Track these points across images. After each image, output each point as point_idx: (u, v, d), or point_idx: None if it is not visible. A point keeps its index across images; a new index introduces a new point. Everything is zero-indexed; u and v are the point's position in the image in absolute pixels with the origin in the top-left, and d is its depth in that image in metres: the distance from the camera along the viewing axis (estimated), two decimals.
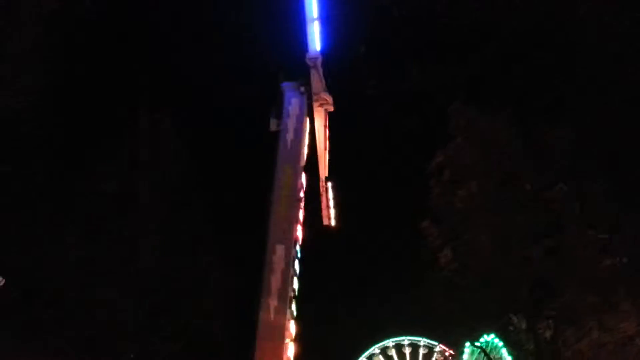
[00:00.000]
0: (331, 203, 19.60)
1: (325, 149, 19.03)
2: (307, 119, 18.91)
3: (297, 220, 18.66)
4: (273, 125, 18.73)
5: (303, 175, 19.03)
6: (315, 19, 17.47)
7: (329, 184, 19.61)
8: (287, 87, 18.71)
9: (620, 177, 22.00)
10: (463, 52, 25.73)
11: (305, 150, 19.11)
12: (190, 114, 25.17)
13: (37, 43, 23.47)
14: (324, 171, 19.44)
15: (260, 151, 19.79)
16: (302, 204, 19.06)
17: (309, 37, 17.94)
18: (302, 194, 19.00)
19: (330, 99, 18.34)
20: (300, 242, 18.20)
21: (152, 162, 25.38)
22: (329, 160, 19.40)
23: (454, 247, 24.50)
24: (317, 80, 17.88)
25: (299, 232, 18.88)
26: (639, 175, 21.61)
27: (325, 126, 18.81)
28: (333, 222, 19.95)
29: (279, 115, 18.69)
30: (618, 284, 21.70)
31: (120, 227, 24.54)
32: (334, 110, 19.09)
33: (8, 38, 22.54)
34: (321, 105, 18.30)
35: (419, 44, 26.22)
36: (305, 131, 18.77)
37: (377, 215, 24.58)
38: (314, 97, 18.08)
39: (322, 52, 18.24)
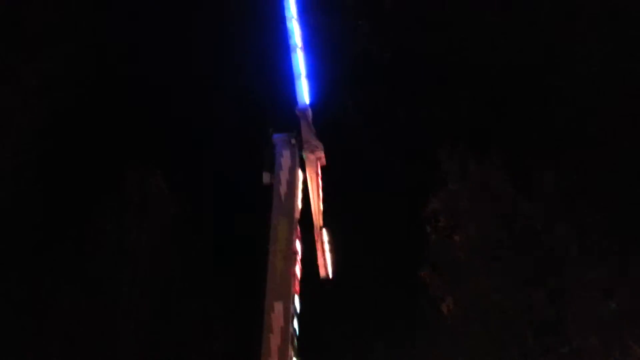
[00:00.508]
0: (327, 253, 19.28)
1: (319, 197, 18.88)
2: (299, 171, 18.85)
3: (294, 275, 18.39)
4: (266, 178, 18.66)
5: (298, 228, 18.85)
6: (302, 75, 18.07)
7: (324, 234, 19.36)
8: (278, 139, 18.76)
9: (620, 218, 21.82)
10: (451, 95, 25.92)
11: (300, 203, 18.97)
12: (183, 172, 24.99)
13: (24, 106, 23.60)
14: (318, 220, 19.23)
15: (254, 206, 19.57)
16: (299, 258, 18.79)
17: (297, 91, 18.37)
18: (298, 247, 18.76)
19: (320, 145, 18.49)
20: (298, 296, 17.88)
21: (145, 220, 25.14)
22: (323, 209, 19.19)
23: (455, 295, 24.08)
24: (306, 129, 18.16)
25: (297, 286, 18.57)
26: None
27: (317, 174, 18.76)
28: (330, 273, 19.59)
29: (271, 168, 18.64)
30: (624, 327, 21.26)
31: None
32: (325, 163, 19.09)
33: None
34: (312, 152, 18.40)
35: (408, 89, 26.40)
36: (298, 183, 18.67)
37: (376, 264, 24.18)
38: (305, 145, 18.24)
39: (311, 104, 18.58)
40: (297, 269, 18.74)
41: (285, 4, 18.36)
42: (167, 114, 26.10)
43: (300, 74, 18.32)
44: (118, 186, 25.11)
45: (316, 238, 19.17)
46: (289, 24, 18.18)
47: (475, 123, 25.74)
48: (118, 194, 24.96)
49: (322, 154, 18.48)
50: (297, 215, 18.75)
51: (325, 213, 19.23)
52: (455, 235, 24.43)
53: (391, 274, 24.40)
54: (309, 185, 18.88)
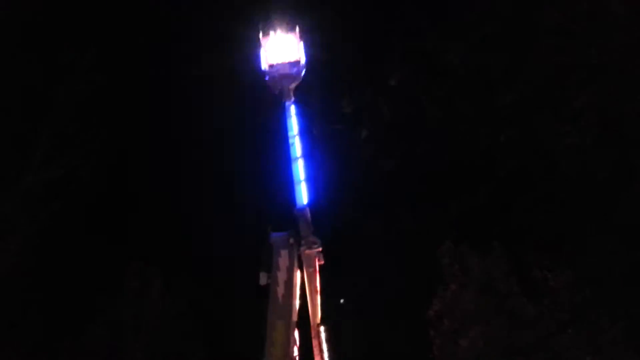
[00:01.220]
0: (325, 353, 18.70)
1: (316, 293, 18.65)
2: (298, 271, 18.68)
3: None
4: (263, 279, 18.55)
5: (296, 331, 18.44)
6: (302, 181, 18.88)
7: (322, 330, 18.89)
8: (276, 239, 18.76)
9: (633, 326, 21.15)
10: (451, 192, 25.89)
11: (297, 304, 18.64)
12: (182, 271, 24.75)
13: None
14: (315, 317, 18.86)
15: (252, 307, 19.18)
16: None
17: (297, 195, 18.92)
18: (295, 352, 18.26)
19: (318, 242, 18.63)
20: None
21: (143, 322, 24.56)
22: (322, 306, 18.88)
23: None
24: (305, 228, 18.41)
25: None
26: None
27: (315, 270, 18.70)
28: None
29: (269, 268, 18.52)
30: None
31: None
32: (323, 262, 18.94)
33: None
34: (310, 248, 18.52)
35: (408, 191, 26.46)
36: (296, 284, 18.47)
37: None
38: (303, 242, 18.42)
39: (310, 205, 19.02)
40: None
41: (287, 124, 19.97)
42: (168, 215, 26.12)
43: (300, 181, 19.26)
44: (117, 290, 24.75)
45: (313, 335, 18.70)
46: (290, 140, 19.54)
47: (477, 223, 25.53)
48: (117, 298, 24.56)
49: (319, 250, 18.51)
50: (295, 317, 18.42)
51: (323, 313, 18.86)
52: (459, 339, 23.64)
53: None
54: (306, 282, 18.72)
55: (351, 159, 26.90)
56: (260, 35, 21.53)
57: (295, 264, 18.63)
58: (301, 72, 20.66)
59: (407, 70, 26.72)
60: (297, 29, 21.37)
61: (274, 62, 20.51)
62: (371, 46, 26.78)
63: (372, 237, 26.01)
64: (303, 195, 19.75)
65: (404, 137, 26.47)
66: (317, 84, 24.75)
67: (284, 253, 18.49)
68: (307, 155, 19.91)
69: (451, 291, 24.06)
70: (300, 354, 18.26)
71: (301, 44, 20.79)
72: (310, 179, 19.86)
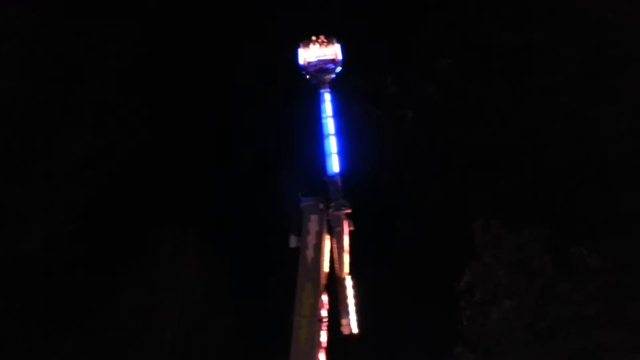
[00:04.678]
0: (351, 304, 18.98)
1: (343, 250, 18.92)
2: (327, 235, 18.93)
3: (318, 345, 18.12)
4: (292, 242, 18.87)
5: (325, 294, 18.73)
6: (333, 153, 19.23)
7: (349, 284, 19.18)
8: (306, 203, 19.04)
9: None
10: (488, 173, 25.78)
11: (327, 267, 18.91)
12: (215, 234, 25.43)
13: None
14: (342, 271, 19.15)
15: (282, 269, 19.55)
16: (325, 325, 18.52)
17: (328, 165, 19.29)
18: (324, 314, 18.54)
19: (347, 204, 18.88)
20: None
21: (177, 285, 25.30)
22: (350, 262, 19.14)
23: None
24: (334, 191, 18.63)
25: (321, 355, 18.22)
26: None
27: (343, 231, 18.97)
28: (355, 329, 19.17)
29: (299, 232, 18.83)
30: None
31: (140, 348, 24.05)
32: (352, 227, 19.17)
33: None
34: (338, 209, 18.74)
35: (443, 168, 26.48)
36: (324, 248, 18.72)
37: (405, 339, 23.52)
38: (332, 204, 18.62)
39: (340, 172, 19.38)
40: (323, 337, 18.46)
41: (322, 106, 20.56)
42: (203, 178, 26.74)
43: (331, 153, 19.87)
44: (151, 249, 25.50)
45: (340, 290, 19.00)
46: (324, 121, 20.28)
47: (513, 202, 25.37)
48: (151, 257, 25.31)
49: (348, 211, 18.75)
50: (324, 280, 18.69)
51: (352, 271, 19.15)
52: (490, 311, 23.66)
53: (423, 348, 23.60)
54: (335, 243, 18.99)
55: (390, 138, 27.15)
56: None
57: (325, 228, 18.89)
58: (337, 67, 21.13)
59: (452, 51, 26.75)
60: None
61: (311, 60, 21.04)
62: (415, 27, 26.86)
63: (406, 210, 26.23)
64: (334, 165, 19.73)
65: (447, 120, 26.52)
66: (360, 64, 25.13)
67: (314, 217, 18.76)
68: (339, 132, 20.32)
69: (483, 264, 24.10)
70: (328, 316, 18.52)
71: (338, 45, 21.28)
72: (343, 154, 20.16)
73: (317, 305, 18.19)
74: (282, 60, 23.26)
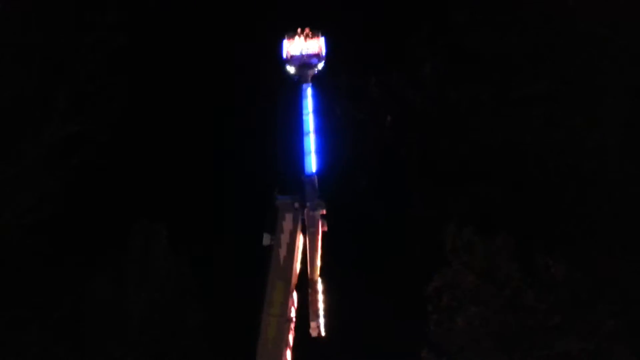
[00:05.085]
0: (320, 307, 18.93)
1: (316, 252, 18.85)
2: (300, 235, 18.90)
3: (286, 344, 18.06)
4: (266, 240, 18.78)
5: (295, 294, 18.69)
6: (312, 152, 19.15)
7: (319, 287, 19.11)
8: (282, 201, 18.98)
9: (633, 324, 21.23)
10: (463, 180, 26.00)
11: (298, 267, 18.89)
12: (187, 228, 25.29)
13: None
14: (314, 274, 19.08)
15: (255, 266, 19.51)
16: (293, 325, 18.49)
17: (306, 164, 19.20)
18: (293, 314, 18.51)
19: (323, 204, 18.80)
20: None
21: (145, 278, 25.07)
22: (321, 266, 19.10)
23: None
24: (311, 191, 18.64)
25: (288, 356, 18.18)
26: None
27: (317, 232, 18.89)
28: (323, 332, 19.13)
29: (273, 230, 18.75)
30: None
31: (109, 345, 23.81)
32: (326, 228, 19.17)
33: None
34: (314, 209, 18.71)
35: (420, 174, 26.62)
36: (298, 246, 18.69)
37: (372, 341, 23.65)
38: (307, 204, 18.55)
39: (317, 172, 19.32)
40: (290, 337, 18.42)
41: (303, 102, 20.39)
42: (176, 171, 26.56)
43: (310, 152, 19.64)
44: (121, 243, 25.24)
45: (310, 292, 18.94)
46: (304, 118, 20.08)
47: (485, 207, 25.63)
48: (120, 251, 25.05)
49: (323, 212, 18.70)
50: (295, 280, 18.65)
51: (322, 273, 19.10)
52: (457, 316, 23.88)
53: (390, 351, 23.76)
54: (308, 243, 18.93)
55: (369, 141, 27.20)
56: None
57: (299, 227, 18.84)
58: (320, 62, 21.02)
59: (436, 57, 26.91)
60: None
61: (295, 53, 20.88)
62: (400, 31, 26.99)
63: (377, 214, 26.36)
64: (312, 164, 19.59)
65: (426, 126, 26.66)
66: (343, 66, 25.18)
67: (288, 216, 18.69)
68: (319, 130, 20.18)
69: (452, 270, 24.29)
70: (296, 316, 18.50)
71: (322, 38, 21.14)
72: (322, 153, 20.08)
73: (286, 304, 18.13)
74: (264, 53, 23.14)
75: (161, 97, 27.72)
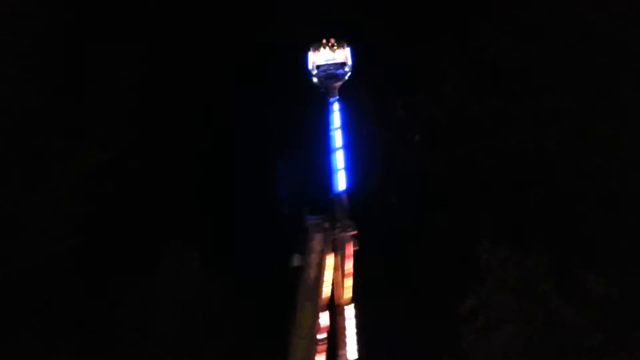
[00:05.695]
0: (350, 334, 18.53)
1: (346, 276, 18.54)
2: (330, 255, 18.67)
3: None
4: (295, 260, 18.56)
5: (325, 314, 18.42)
6: (340, 169, 18.89)
7: (349, 313, 18.73)
8: (311, 222, 18.78)
9: None
10: (496, 199, 25.59)
11: (328, 288, 18.62)
12: (217, 250, 25.28)
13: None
14: (342, 297, 18.75)
15: (284, 288, 19.27)
16: (322, 347, 18.22)
17: (335, 182, 18.97)
18: (323, 335, 18.24)
19: (353, 225, 18.51)
20: None
21: (177, 302, 25.10)
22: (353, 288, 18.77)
23: None
24: (340, 211, 18.31)
25: None
26: None
27: (347, 254, 18.61)
28: (354, 356, 18.73)
29: (302, 250, 18.56)
30: None
31: None
32: (357, 247, 18.91)
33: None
34: (344, 230, 18.41)
35: (450, 190, 26.31)
36: (327, 267, 18.44)
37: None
38: (337, 224, 18.30)
39: (347, 191, 19.07)
40: (321, 359, 18.13)
41: (330, 118, 20.09)
42: (207, 196, 26.65)
43: (338, 169, 19.33)
44: (153, 268, 25.31)
45: (338, 319, 18.60)
46: (332, 133, 19.82)
47: (520, 223, 25.15)
48: (154, 277, 25.12)
49: (354, 233, 18.42)
50: (324, 301, 18.38)
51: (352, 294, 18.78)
52: (493, 335, 23.32)
53: None
54: (339, 265, 18.66)
55: (398, 159, 27.00)
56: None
57: (329, 247, 18.60)
58: (346, 73, 20.88)
59: (460, 75, 26.75)
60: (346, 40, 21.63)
61: (320, 63, 20.80)
62: (423, 49, 26.84)
63: (409, 231, 26.03)
64: (341, 182, 19.29)
65: (454, 143, 26.43)
66: (369, 86, 25.08)
67: (318, 236, 18.46)
68: (347, 147, 19.91)
69: (488, 288, 23.81)
70: (328, 337, 18.20)
71: (348, 48, 21.05)
72: (351, 170, 19.79)
73: (315, 326, 17.83)
74: (290, 66, 23.02)
75: (191, 123, 27.86)
